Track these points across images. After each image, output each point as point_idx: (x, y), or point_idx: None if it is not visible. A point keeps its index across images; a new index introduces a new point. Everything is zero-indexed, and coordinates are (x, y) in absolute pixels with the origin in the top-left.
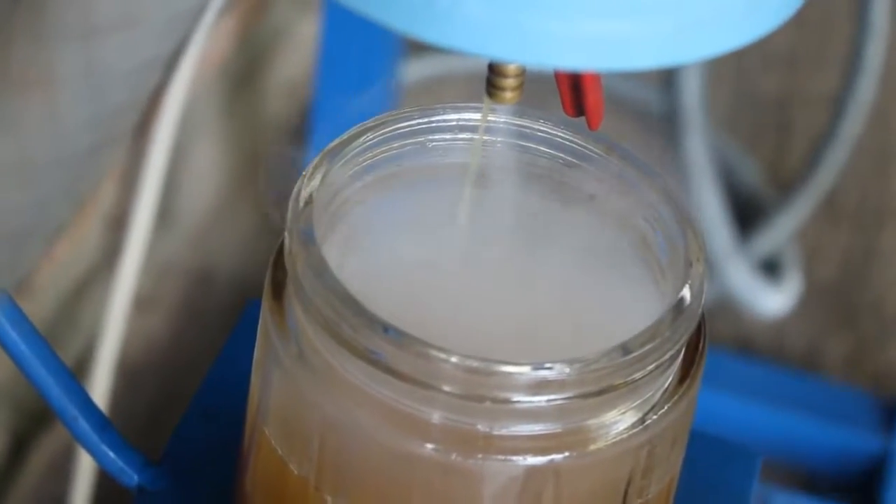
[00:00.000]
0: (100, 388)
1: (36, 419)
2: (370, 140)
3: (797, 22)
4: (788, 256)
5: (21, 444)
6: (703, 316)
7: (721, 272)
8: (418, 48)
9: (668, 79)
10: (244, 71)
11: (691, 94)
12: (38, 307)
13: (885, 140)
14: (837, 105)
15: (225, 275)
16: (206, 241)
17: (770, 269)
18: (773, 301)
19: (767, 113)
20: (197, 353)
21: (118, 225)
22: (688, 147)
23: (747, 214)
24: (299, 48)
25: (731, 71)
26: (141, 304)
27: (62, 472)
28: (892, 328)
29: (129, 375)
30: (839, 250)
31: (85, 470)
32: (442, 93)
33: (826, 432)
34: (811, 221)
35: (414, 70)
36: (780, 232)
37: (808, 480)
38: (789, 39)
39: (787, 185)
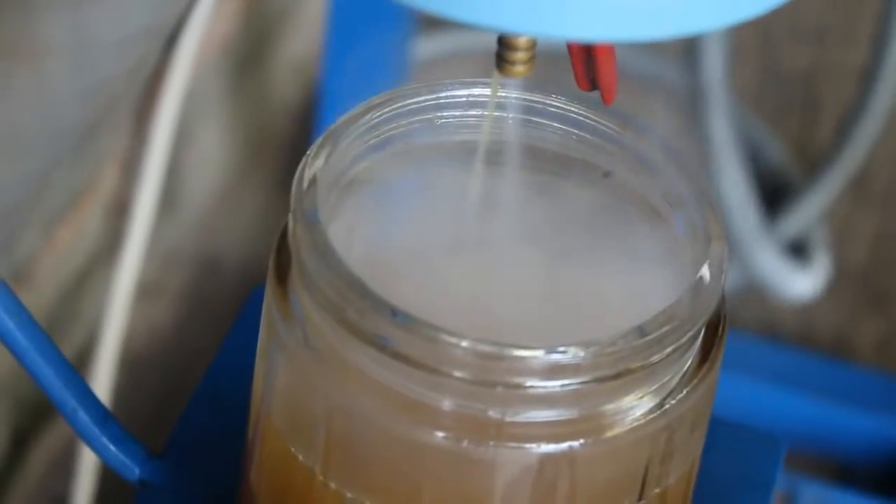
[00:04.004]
0: (102, 379)
1: (37, 414)
2: (376, 118)
3: None
4: (817, 238)
5: (22, 440)
6: (723, 296)
7: (747, 255)
8: (430, 25)
9: (689, 54)
10: (249, 51)
11: (714, 69)
12: (39, 297)
13: None
14: (867, 79)
15: (232, 262)
16: (212, 227)
17: (798, 251)
18: (801, 285)
19: (794, 88)
20: (203, 343)
21: (120, 211)
22: (711, 125)
23: (774, 195)
24: (306, 26)
25: (756, 45)
26: (144, 292)
27: (64, 467)
28: None
29: (132, 366)
30: (869, 231)
31: (87, 465)
32: (455, 71)
33: (857, 420)
34: (840, 201)
35: (425, 48)
36: (808, 213)
37: (838, 470)
38: (817, 12)
39: (814, 164)
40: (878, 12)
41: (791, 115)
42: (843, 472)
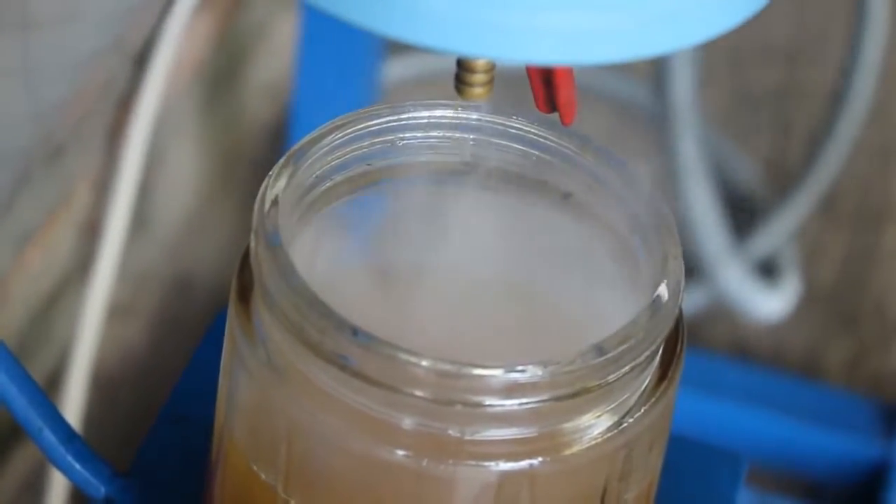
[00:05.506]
0: (74, 399)
1: (8, 435)
2: (338, 139)
3: (795, 16)
4: (786, 258)
5: None
6: (680, 314)
7: (716, 275)
8: (400, 47)
9: (659, 74)
10: (222, 72)
11: (683, 90)
12: (10, 317)
13: (886, 137)
14: (836, 101)
15: (203, 282)
16: (184, 247)
17: (767, 271)
18: (770, 305)
19: (764, 109)
20: (174, 363)
21: (92, 232)
22: (679, 145)
23: (743, 215)
24: (278, 48)
25: (726, 66)
26: (116, 313)
27: (35, 488)
28: (893, 332)
29: (104, 387)
30: (839, 251)
31: (58, 485)
32: (424, 92)
33: (826, 439)
34: (810, 222)
35: (395, 69)
36: (777, 233)
37: (807, 488)
38: (787, 34)
39: (784, 184)
40: (848, 33)
41: (761, 135)
42: (813, 491)
